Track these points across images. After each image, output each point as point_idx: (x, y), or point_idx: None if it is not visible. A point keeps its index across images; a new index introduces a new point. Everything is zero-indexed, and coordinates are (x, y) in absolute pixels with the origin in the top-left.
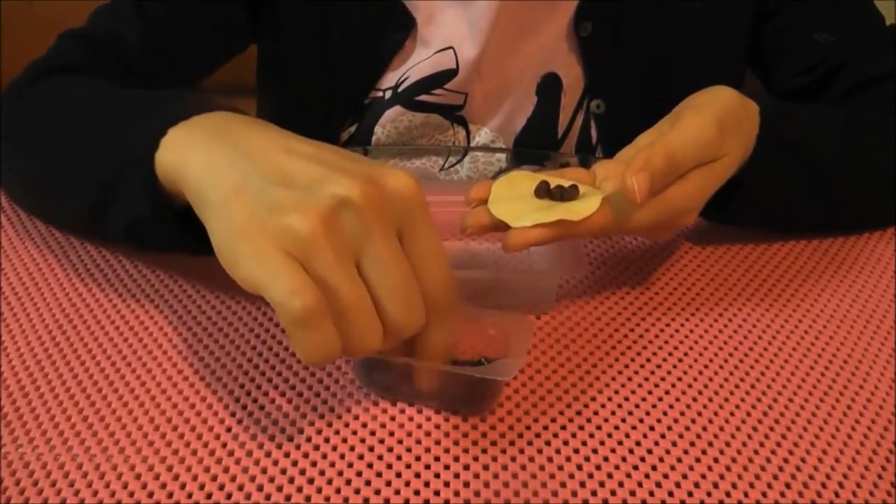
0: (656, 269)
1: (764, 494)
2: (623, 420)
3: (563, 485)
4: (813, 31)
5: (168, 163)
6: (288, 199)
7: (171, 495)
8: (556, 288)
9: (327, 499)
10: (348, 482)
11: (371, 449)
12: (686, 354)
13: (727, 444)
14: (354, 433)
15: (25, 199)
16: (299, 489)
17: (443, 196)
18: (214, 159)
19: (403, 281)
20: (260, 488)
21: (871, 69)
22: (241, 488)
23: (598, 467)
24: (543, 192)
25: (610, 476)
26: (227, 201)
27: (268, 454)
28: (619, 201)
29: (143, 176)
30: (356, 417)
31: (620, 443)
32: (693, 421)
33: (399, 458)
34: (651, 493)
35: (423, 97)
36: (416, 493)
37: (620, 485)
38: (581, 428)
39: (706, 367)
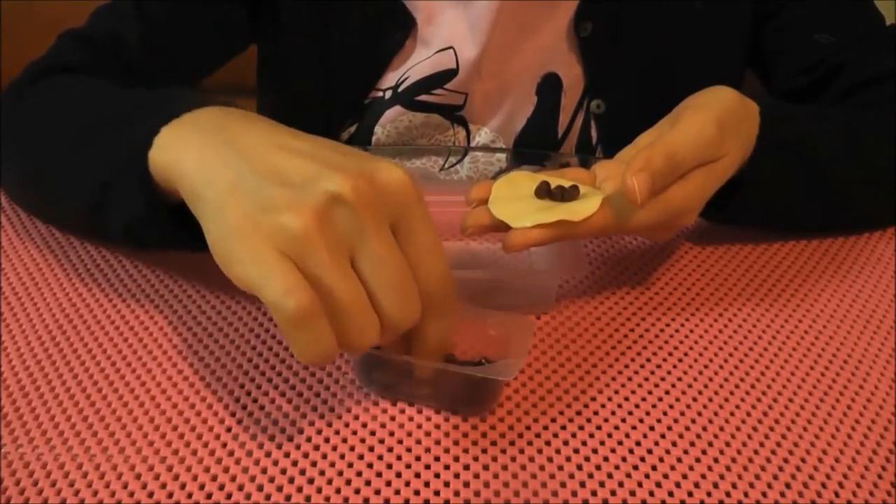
0: (656, 269)
1: (764, 494)
2: (623, 420)
3: (563, 485)
4: (813, 31)
5: (162, 162)
6: (281, 198)
7: (171, 495)
8: (556, 288)
9: (327, 499)
10: (348, 482)
11: (371, 449)
12: (686, 354)
13: (727, 444)
14: (354, 433)
15: (25, 199)
16: (299, 489)
17: (443, 196)
18: (208, 158)
19: (398, 276)
20: (260, 488)
21: (871, 69)
22: (241, 488)
23: (598, 467)
24: (544, 192)
25: (610, 476)
26: (221, 200)
27: (268, 454)
28: (620, 201)
29: (137, 176)
30: (356, 417)
31: (620, 443)
32: (693, 421)
33: (399, 458)
34: (651, 493)
35: (423, 97)
36: (416, 493)
37: (620, 485)
38: (581, 428)
39: (706, 367)
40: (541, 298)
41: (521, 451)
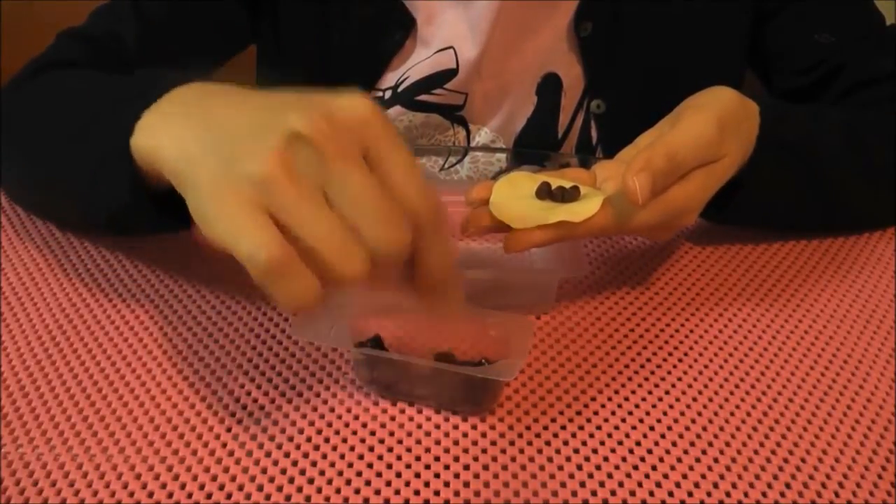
0: (656, 269)
1: (764, 494)
2: (623, 420)
3: (563, 485)
4: (813, 31)
5: (144, 147)
6: (242, 149)
7: (171, 495)
8: (556, 288)
9: (327, 499)
10: (348, 482)
11: (371, 449)
12: (686, 354)
13: (727, 444)
14: (354, 433)
15: (23, 196)
16: (299, 489)
17: (443, 196)
18: (184, 136)
19: (374, 201)
20: (260, 488)
21: (871, 69)
22: (241, 488)
23: (598, 467)
24: (544, 193)
25: (610, 476)
26: (196, 170)
27: (268, 454)
28: (620, 202)
29: (121, 163)
30: (356, 417)
31: (620, 443)
32: (693, 421)
33: (399, 458)
34: (651, 493)
35: (423, 97)
36: (416, 493)
37: (620, 485)
38: (581, 428)
39: (706, 367)
40: (541, 298)
41: (521, 451)
